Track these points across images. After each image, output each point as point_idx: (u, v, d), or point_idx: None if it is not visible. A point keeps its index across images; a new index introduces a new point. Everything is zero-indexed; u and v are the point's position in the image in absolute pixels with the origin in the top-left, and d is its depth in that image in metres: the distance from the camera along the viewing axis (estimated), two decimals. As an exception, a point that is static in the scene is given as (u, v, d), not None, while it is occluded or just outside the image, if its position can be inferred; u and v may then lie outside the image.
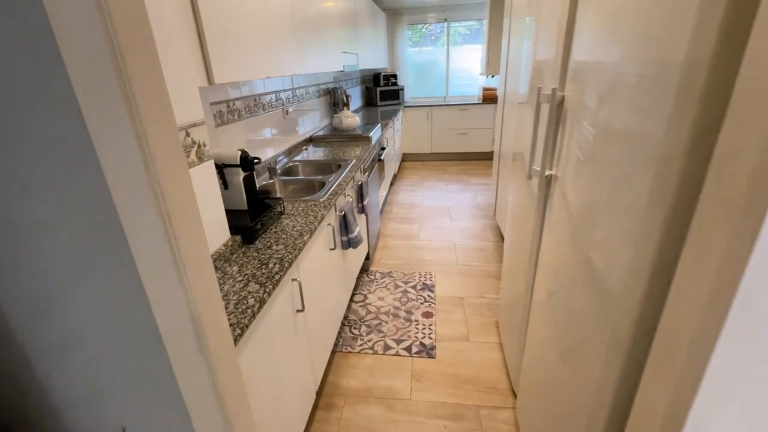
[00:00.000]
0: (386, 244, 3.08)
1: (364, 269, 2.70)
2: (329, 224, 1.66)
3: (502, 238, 3.03)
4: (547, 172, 1.15)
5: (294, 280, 1.25)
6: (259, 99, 2.14)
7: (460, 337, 2.04)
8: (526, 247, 1.40)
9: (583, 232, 0.89)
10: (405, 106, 5.38)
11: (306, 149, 2.71)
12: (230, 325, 0.87)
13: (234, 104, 1.87)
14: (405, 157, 5.68)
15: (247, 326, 0.89)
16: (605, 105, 0.79)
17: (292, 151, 2.59)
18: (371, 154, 2.71)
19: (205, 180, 1.09)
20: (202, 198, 1.08)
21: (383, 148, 3.43)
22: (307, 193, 2.02)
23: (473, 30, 5.52)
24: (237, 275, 1.09)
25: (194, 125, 1.04)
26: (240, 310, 0.93)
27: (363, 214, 2.27)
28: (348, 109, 3.68)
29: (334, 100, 3.69)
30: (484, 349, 1.95)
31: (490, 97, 5.21)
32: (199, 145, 1.06)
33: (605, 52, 0.80)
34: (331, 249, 1.69)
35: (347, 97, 3.69)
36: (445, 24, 5.45)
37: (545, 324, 1.16)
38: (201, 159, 1.07)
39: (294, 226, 1.40)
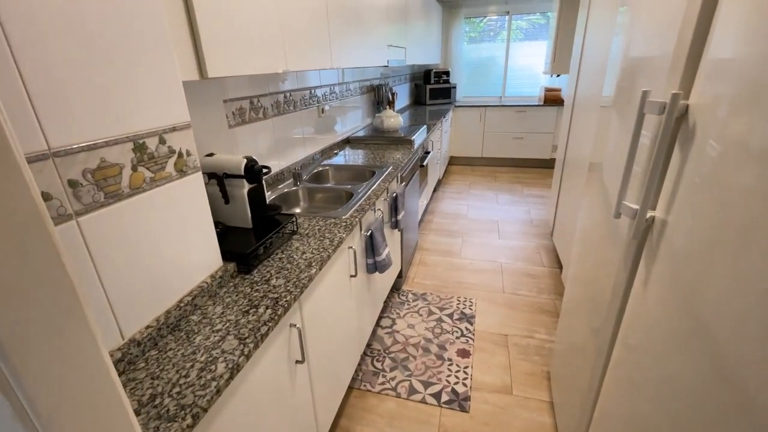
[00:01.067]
0: (423, 260, 2.77)
1: (396, 287, 2.42)
2: (350, 247, 1.40)
3: (560, 264, 2.61)
4: (649, 214, 0.80)
5: (293, 325, 1.00)
6: (290, 96, 1.93)
7: (500, 387, 1.70)
8: (602, 288, 1.04)
9: (698, 286, 0.55)
10: (456, 106, 5.01)
11: (341, 152, 2.48)
12: (181, 407, 0.64)
13: (259, 101, 1.67)
14: (452, 160, 5.30)
15: (204, 410, 0.65)
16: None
17: (325, 153, 2.36)
18: (412, 160, 2.42)
19: (186, 198, 0.87)
20: (181, 221, 0.86)
21: (427, 152, 3.12)
22: (333, 204, 1.78)
23: (536, 25, 4.99)
24: (217, 321, 0.86)
25: (173, 129, 0.82)
26: (202, 382, 0.70)
27: (396, 230, 1.99)
28: (392, 108, 3.41)
29: (378, 98, 3.43)
30: (530, 408, 1.60)
31: (552, 99, 4.69)
32: (180, 155, 0.84)
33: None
34: (351, 276, 1.43)
35: (393, 94, 3.42)
36: (507, 17, 4.98)
37: (632, 393, 0.81)
38: (183, 172, 0.85)
39: (303, 253, 1.16)
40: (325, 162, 2.17)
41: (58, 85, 0.59)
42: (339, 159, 2.27)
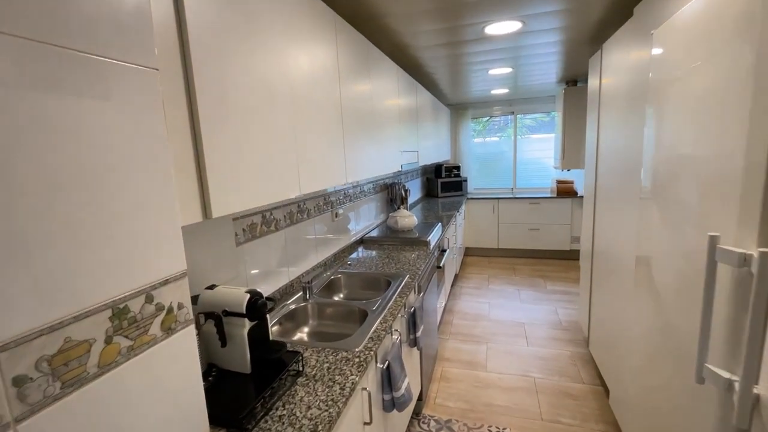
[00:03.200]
0: (445, 374, 2.47)
1: (416, 413, 2.10)
2: (364, 389, 1.19)
3: (602, 380, 2.28)
4: (755, 391, 0.62)
5: None
6: (304, 204, 1.90)
7: None
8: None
9: None
10: (468, 198, 5.04)
11: (354, 254, 2.39)
12: None
13: (272, 214, 1.62)
14: (468, 251, 5.17)
15: None
16: None
17: (338, 257, 2.26)
18: (429, 263, 2.29)
19: (170, 362, 0.73)
20: (161, 393, 0.70)
21: (444, 250, 3.00)
22: (345, 322, 1.61)
23: (541, 122, 5.25)
24: None
25: (165, 282, 0.71)
26: None
27: (415, 348, 1.78)
28: (405, 205, 3.41)
29: (392, 196, 3.45)
30: None
31: (565, 191, 4.69)
32: (170, 310, 0.72)
33: None
34: (365, 424, 1.20)
35: (406, 191, 3.44)
36: (512, 117, 5.27)
37: None
38: (171, 330, 0.72)
39: (309, 408, 0.96)
40: (339, 269, 2.06)
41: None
42: (352, 261, 2.16)
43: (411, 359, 1.85)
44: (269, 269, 1.60)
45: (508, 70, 3.23)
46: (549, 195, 4.81)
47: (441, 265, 2.63)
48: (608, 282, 2.07)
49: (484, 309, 3.43)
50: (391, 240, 2.65)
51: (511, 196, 4.93)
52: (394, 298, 1.64)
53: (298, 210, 1.84)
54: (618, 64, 1.90)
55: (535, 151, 5.28)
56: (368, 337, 1.30)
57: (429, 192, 5.33)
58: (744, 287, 0.61)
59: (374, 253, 2.42)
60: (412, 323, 1.73)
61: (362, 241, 2.69)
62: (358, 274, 2.00)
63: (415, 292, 1.92)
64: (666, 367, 1.08)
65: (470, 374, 2.45)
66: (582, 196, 4.57)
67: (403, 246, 2.57)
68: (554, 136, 4.74)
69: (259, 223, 1.54)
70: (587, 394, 2.20)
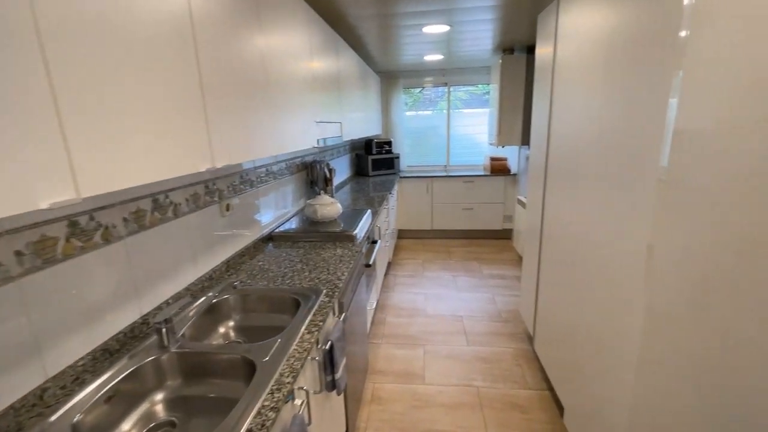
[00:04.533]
0: (377, 393, 2.07)
1: (341, 454, 1.68)
2: None
3: (548, 383, 2.06)
4: None
5: None
6: (167, 198, 1.28)
7: None
8: None
9: None
10: (401, 177, 4.65)
11: (258, 257, 1.82)
12: None
13: (94, 218, 0.99)
14: (401, 234, 4.83)
15: None
16: None
17: (231, 264, 1.68)
18: (356, 266, 1.82)
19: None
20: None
21: (374, 242, 2.56)
22: (226, 379, 1.08)
23: (473, 96, 4.97)
24: None
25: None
26: None
27: (335, 391, 1.31)
28: (330, 187, 2.87)
29: (312, 178, 2.89)
30: None
31: (499, 168, 4.51)
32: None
33: None
34: None
35: (330, 172, 2.90)
36: (445, 88, 4.91)
37: None
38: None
39: None
40: (235, 283, 1.48)
41: None
42: (253, 265, 1.60)
43: (332, 405, 1.39)
44: (92, 306, 0.98)
45: (445, 28, 2.78)
46: (483, 173, 4.60)
47: (371, 262, 2.18)
48: (562, 273, 1.79)
49: (420, 301, 3.10)
50: (308, 235, 2.12)
51: (445, 174, 4.64)
52: (300, 333, 1.14)
53: (154, 207, 1.22)
54: (589, 20, 1.52)
55: (468, 126, 5.02)
56: (249, 419, 0.80)
57: (359, 170, 4.82)
58: None
59: (285, 254, 1.88)
60: (329, 362, 1.26)
61: (271, 238, 2.12)
62: (255, 292, 1.45)
63: (334, 314, 1.44)
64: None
65: (407, 390, 2.08)
66: (515, 174, 4.43)
67: (324, 243, 2.06)
68: (488, 111, 4.49)
69: (64, 237, 0.90)
70: (534, 402, 1.96)
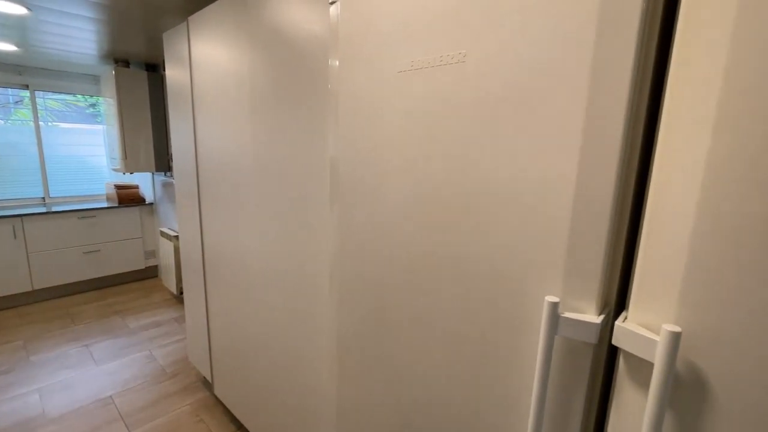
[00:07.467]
0: None
1: None
2: None
3: (238, 424, 1.97)
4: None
5: None
6: None
7: None
8: None
9: None
10: (-48, 222, 2.92)
11: None
12: None
13: None
14: (-32, 312, 3.05)
15: None
16: None
17: None
18: None
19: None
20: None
21: None
22: None
23: (73, 107, 3.91)
24: None
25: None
26: None
27: None
28: None
29: None
30: None
31: (129, 198, 3.81)
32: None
33: None
34: None
35: None
36: (28, 92, 3.55)
37: None
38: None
39: None
40: None
41: None
42: None
43: None
44: None
45: (21, 9, 1.98)
46: (108, 204, 3.73)
47: None
48: (234, 299, 1.75)
49: (33, 404, 2.08)
50: None
51: (45, 210, 3.37)
52: None
53: None
54: (225, 57, 1.53)
55: (74, 146, 3.90)
56: None
57: None
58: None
59: None
60: None
61: None
62: None
63: None
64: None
65: None
66: (152, 203, 3.91)
67: None
68: (105, 129, 3.68)
69: None
70: (227, 451, 1.81)
